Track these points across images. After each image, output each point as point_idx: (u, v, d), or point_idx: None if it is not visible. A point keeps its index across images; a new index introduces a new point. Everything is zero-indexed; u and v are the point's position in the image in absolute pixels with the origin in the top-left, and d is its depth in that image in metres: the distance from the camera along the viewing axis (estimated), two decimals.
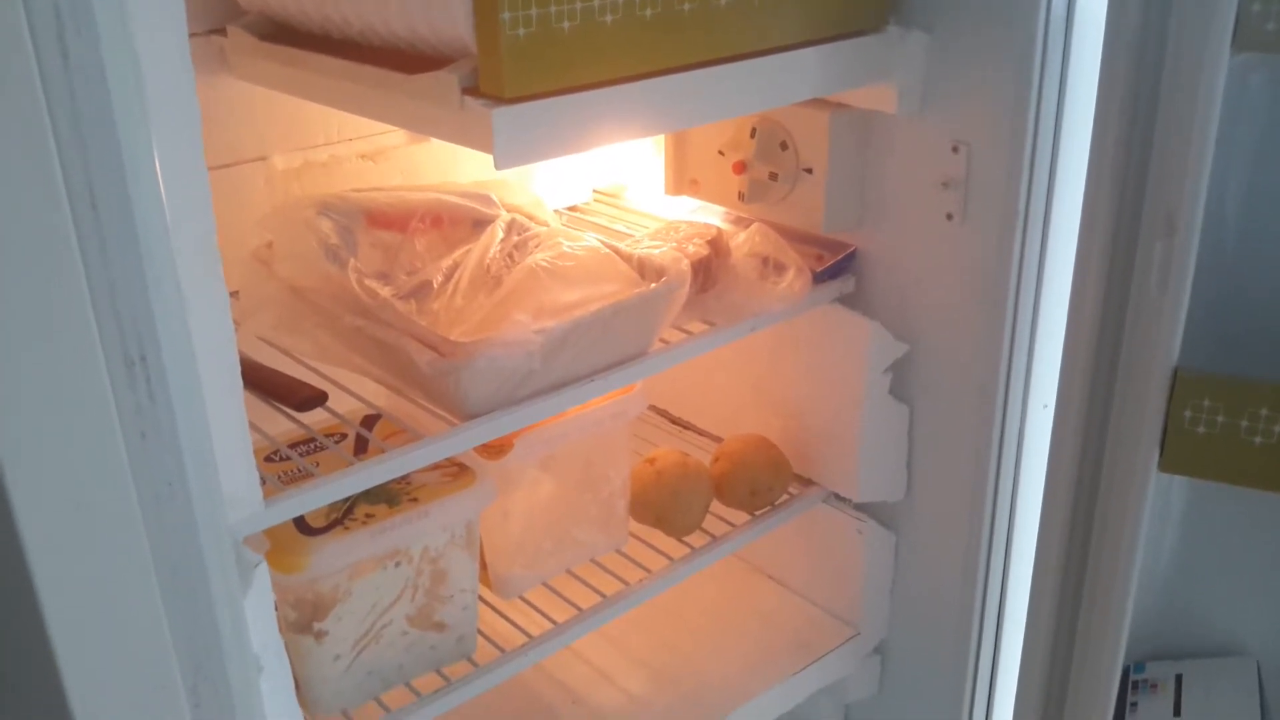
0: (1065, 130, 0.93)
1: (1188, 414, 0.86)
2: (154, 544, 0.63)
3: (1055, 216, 0.95)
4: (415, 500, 0.91)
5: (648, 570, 1.10)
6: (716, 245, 1.03)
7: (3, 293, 0.54)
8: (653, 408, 1.37)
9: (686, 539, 1.13)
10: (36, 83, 0.53)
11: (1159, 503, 0.98)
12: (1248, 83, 0.83)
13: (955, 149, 0.97)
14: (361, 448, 0.93)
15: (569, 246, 0.95)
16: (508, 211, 1.04)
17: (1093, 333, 0.90)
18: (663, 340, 0.99)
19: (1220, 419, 0.85)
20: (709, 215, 1.17)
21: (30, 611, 0.59)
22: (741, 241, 1.06)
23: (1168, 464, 0.88)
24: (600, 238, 1.00)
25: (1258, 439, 0.84)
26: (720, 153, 1.12)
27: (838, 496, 1.19)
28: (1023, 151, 0.92)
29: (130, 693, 0.64)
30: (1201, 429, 0.86)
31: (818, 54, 0.91)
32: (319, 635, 0.89)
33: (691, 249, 1.01)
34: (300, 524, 0.88)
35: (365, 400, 0.95)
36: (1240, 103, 0.83)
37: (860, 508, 1.18)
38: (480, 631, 1.01)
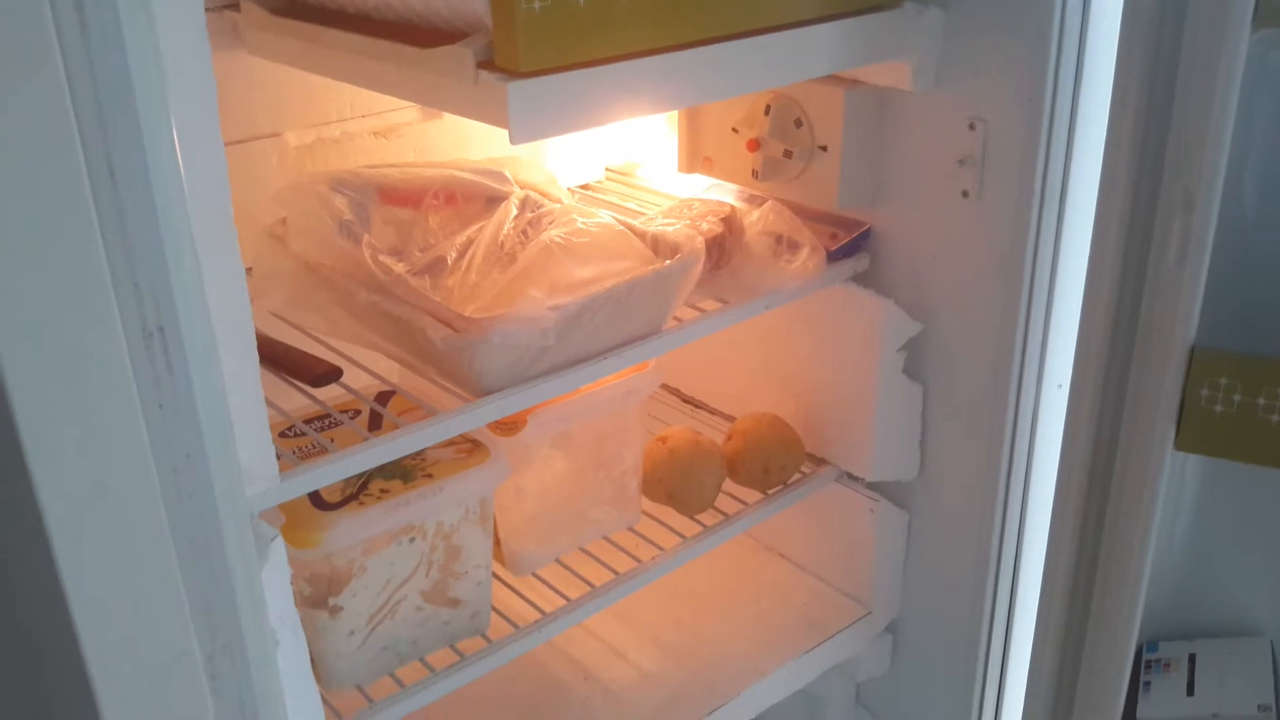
0: (1082, 106, 0.92)
1: (1204, 392, 0.85)
2: (172, 515, 0.63)
3: (1072, 193, 0.95)
4: (429, 476, 0.91)
5: (660, 548, 1.10)
6: (730, 223, 1.03)
7: (23, 262, 0.54)
8: (665, 387, 1.37)
9: (699, 517, 1.13)
10: (57, 54, 0.53)
11: (1174, 482, 0.98)
12: (1268, 58, 0.82)
13: (972, 126, 0.97)
14: (376, 424, 0.93)
15: (583, 223, 0.95)
16: (521, 188, 1.03)
17: (1109, 311, 0.90)
18: (676, 318, 0.99)
19: (1237, 397, 0.84)
20: (723, 193, 1.17)
21: (50, 581, 0.59)
22: (755, 219, 1.06)
23: (1183, 443, 0.88)
24: (614, 215, 1.00)
25: (1275, 417, 0.83)
26: (734, 130, 1.12)
27: (851, 475, 1.19)
28: (1040, 128, 0.92)
29: (149, 662, 0.64)
30: (1218, 407, 0.85)
31: (833, 30, 0.90)
32: (334, 610, 0.90)
33: (705, 226, 1.01)
34: (315, 499, 0.88)
35: (379, 376, 0.95)
36: (1260, 78, 0.82)
37: (873, 487, 1.18)
38: (494, 608, 1.01)
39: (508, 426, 0.98)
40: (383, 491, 0.89)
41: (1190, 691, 1.00)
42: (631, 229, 0.97)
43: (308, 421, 0.92)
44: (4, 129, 0.52)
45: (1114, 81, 0.85)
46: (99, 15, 0.54)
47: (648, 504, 1.14)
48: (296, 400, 0.91)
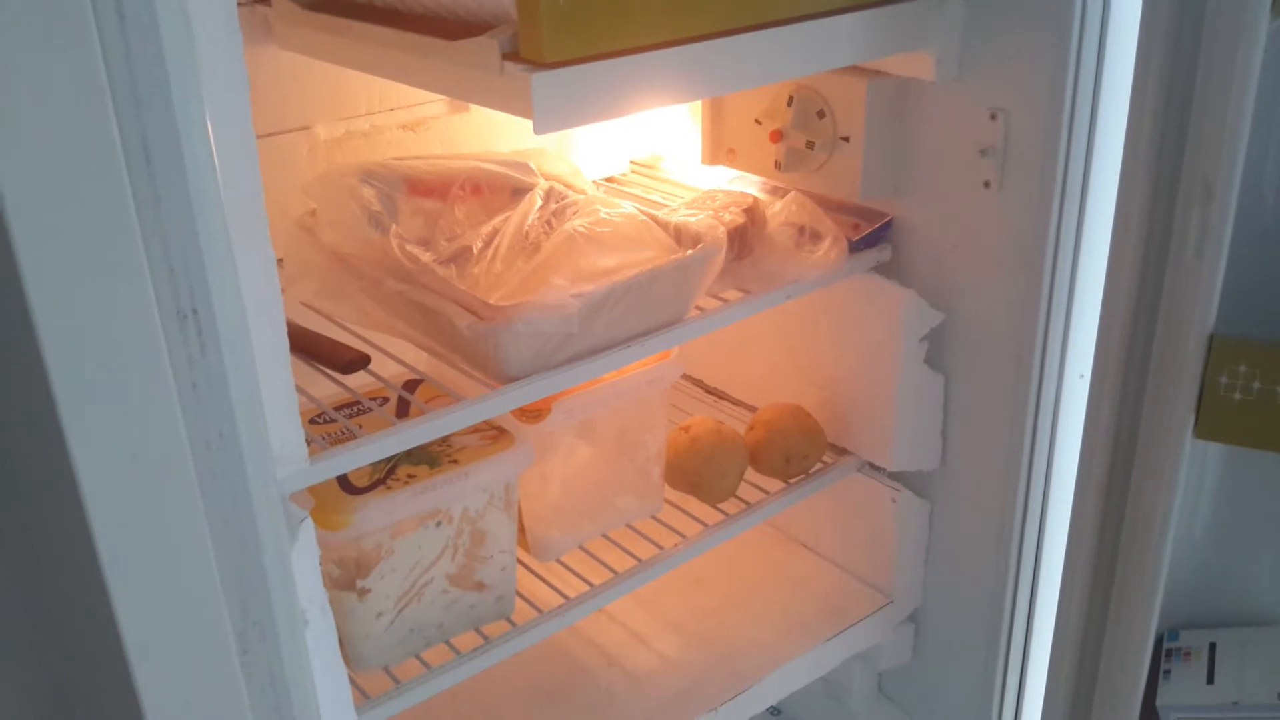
0: (1103, 97, 0.93)
1: (1223, 380, 0.86)
2: (205, 493, 0.65)
3: (1093, 184, 0.95)
4: (455, 462, 0.93)
5: (682, 536, 1.11)
6: (753, 213, 1.04)
7: (63, 245, 0.56)
8: (687, 377, 1.38)
9: (721, 506, 1.14)
10: (95, 44, 0.55)
11: (1194, 470, 0.98)
12: None
13: (993, 116, 0.97)
14: (403, 410, 0.94)
15: (607, 213, 0.96)
16: (546, 180, 1.05)
17: (1129, 300, 0.90)
18: (699, 307, 1.00)
19: (1256, 385, 0.85)
20: (746, 184, 1.18)
21: (87, 556, 0.61)
22: (778, 210, 1.06)
23: (1203, 431, 0.88)
24: (638, 206, 1.01)
25: None
26: (757, 121, 1.13)
27: (872, 465, 1.20)
28: (1061, 118, 0.92)
29: (182, 636, 0.66)
30: (1237, 395, 0.86)
31: (856, 20, 0.91)
32: (362, 592, 0.92)
33: (728, 217, 1.02)
34: (344, 483, 0.90)
35: (407, 365, 0.97)
36: (1279, 69, 0.82)
37: (895, 476, 1.18)
38: (518, 593, 1.03)
39: (532, 414, 0.99)
40: (410, 476, 0.91)
41: (1210, 680, 1.01)
42: (654, 219, 0.99)
43: (337, 408, 0.94)
44: (44, 117, 0.54)
45: (1134, 72, 0.85)
46: (135, 6, 0.56)
47: (670, 492, 1.15)
48: (327, 388, 0.92)
